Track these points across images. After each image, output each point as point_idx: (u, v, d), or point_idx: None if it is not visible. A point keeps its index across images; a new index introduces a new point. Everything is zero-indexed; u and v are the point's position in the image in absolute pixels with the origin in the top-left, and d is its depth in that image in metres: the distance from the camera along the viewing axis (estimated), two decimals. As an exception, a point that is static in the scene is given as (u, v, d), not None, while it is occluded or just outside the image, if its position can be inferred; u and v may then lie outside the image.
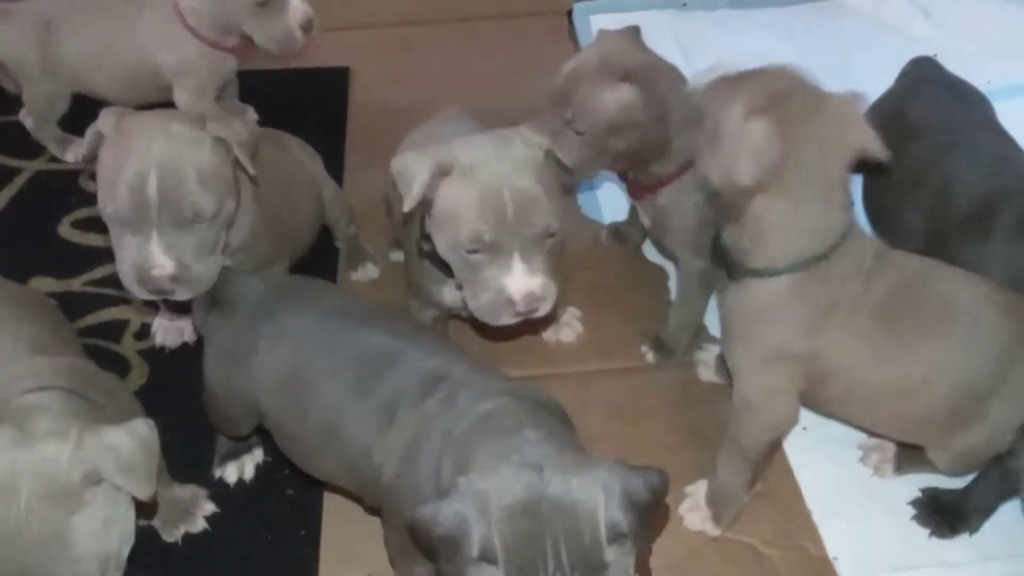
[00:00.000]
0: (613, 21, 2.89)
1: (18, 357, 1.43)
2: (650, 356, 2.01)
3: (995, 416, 1.53)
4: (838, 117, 1.41)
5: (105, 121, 1.56)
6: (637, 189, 1.90)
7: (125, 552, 1.23)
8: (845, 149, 1.41)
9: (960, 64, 2.59)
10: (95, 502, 1.18)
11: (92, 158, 1.60)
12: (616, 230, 2.28)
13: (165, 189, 1.51)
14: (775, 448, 1.74)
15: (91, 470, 1.17)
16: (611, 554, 1.09)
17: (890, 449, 1.78)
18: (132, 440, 1.21)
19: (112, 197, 1.53)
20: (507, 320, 1.55)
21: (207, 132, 1.56)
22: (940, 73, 2.01)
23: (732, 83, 1.43)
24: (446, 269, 1.62)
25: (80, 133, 1.76)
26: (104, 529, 1.18)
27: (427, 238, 1.61)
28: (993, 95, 2.06)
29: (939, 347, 1.50)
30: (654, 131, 1.74)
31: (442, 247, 1.56)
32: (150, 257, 1.54)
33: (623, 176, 1.92)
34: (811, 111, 1.39)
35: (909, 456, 1.74)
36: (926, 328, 1.50)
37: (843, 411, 1.66)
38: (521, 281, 1.50)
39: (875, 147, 1.42)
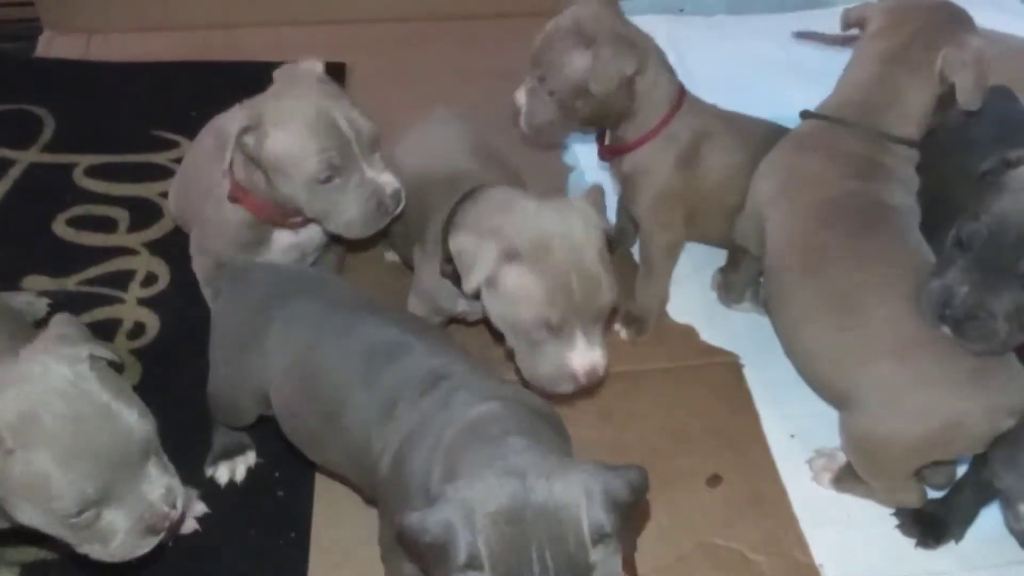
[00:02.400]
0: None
1: None
2: (623, 333, 2.05)
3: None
4: None
5: (239, 117, 1.59)
6: (606, 151, 1.99)
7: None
8: None
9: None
10: (95, 377, 1.28)
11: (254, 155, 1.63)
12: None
13: (352, 123, 1.62)
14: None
15: (73, 354, 1.28)
16: (597, 555, 1.10)
17: (838, 460, 1.79)
18: (59, 324, 1.36)
19: (316, 159, 1.59)
20: (566, 390, 1.58)
21: (321, 71, 1.67)
22: (1011, 97, 2.03)
23: None
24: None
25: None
26: (130, 400, 1.30)
27: (449, 260, 1.63)
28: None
29: None
30: (616, 98, 1.82)
31: (497, 317, 1.59)
32: (373, 181, 1.65)
33: (599, 139, 2.01)
34: None
35: (851, 472, 1.74)
36: None
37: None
38: (585, 357, 1.54)
39: None
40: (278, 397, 1.54)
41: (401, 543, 1.16)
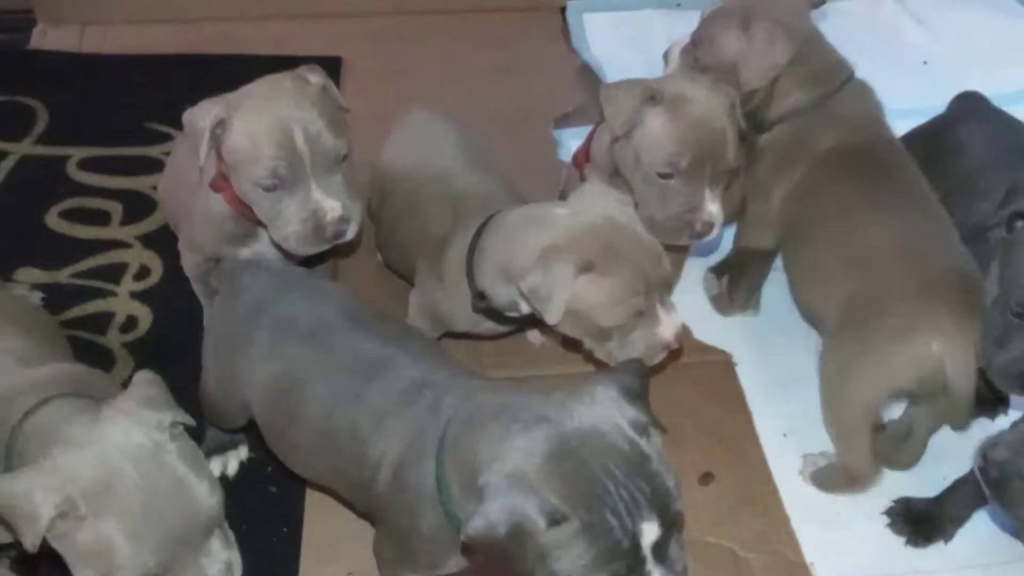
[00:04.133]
0: (607, 19, 2.93)
1: (7, 372, 1.43)
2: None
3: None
4: None
5: (213, 110, 1.57)
6: None
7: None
8: None
9: (951, 72, 2.64)
10: (174, 449, 1.27)
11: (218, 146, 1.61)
12: None
13: (311, 139, 1.55)
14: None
15: (156, 420, 1.26)
16: (647, 446, 1.14)
17: (821, 461, 1.82)
18: (143, 384, 1.33)
19: (263, 165, 1.55)
20: (661, 359, 1.63)
21: (314, 83, 1.62)
22: (987, 104, 2.06)
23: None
24: (499, 317, 1.70)
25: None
26: (202, 472, 1.28)
27: (482, 297, 1.65)
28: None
29: None
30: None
31: (574, 328, 1.60)
32: (317, 203, 1.58)
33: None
34: None
35: (829, 469, 1.81)
36: None
37: None
38: (669, 325, 1.60)
39: None
40: (261, 411, 1.53)
41: (480, 551, 1.14)
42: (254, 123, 1.55)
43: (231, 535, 1.35)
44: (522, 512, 1.08)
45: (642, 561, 1.11)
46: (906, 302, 1.61)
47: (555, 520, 1.08)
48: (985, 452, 1.38)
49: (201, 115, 1.57)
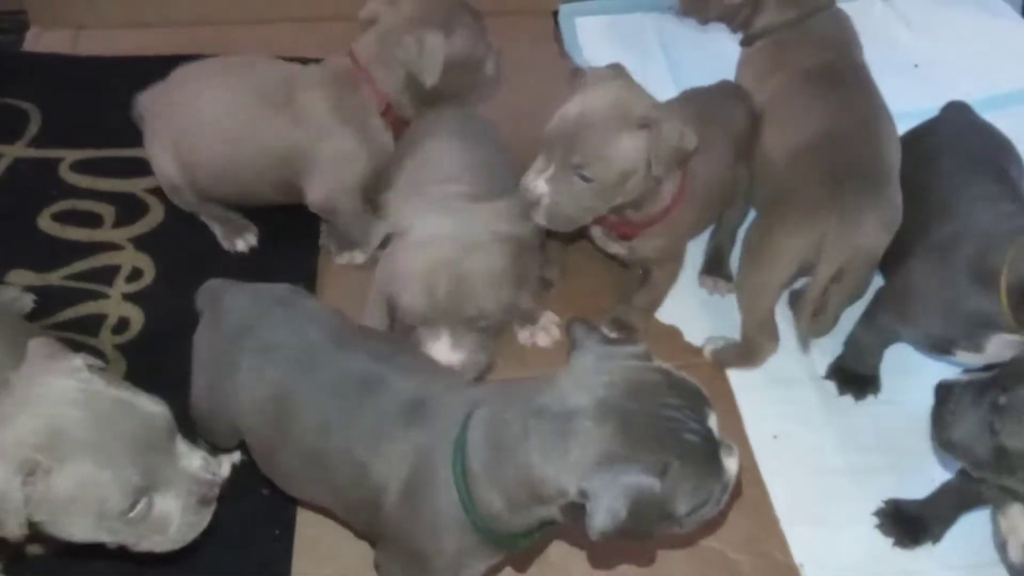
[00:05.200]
0: (599, 23, 2.93)
1: None
2: (613, 336, 2.04)
3: None
4: None
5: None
6: (629, 230, 1.92)
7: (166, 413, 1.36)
8: None
9: (942, 74, 2.65)
10: (100, 379, 1.30)
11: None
12: None
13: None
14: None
15: (69, 366, 1.30)
16: (662, 364, 1.26)
17: (722, 342, 2.03)
18: (40, 346, 1.35)
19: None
20: None
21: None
22: (970, 114, 2.09)
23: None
24: None
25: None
26: (137, 390, 1.33)
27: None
28: (974, 106, 2.11)
29: None
30: (652, 177, 1.74)
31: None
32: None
33: (604, 222, 1.93)
34: None
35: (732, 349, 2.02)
36: None
37: None
38: (441, 353, 1.64)
39: None
40: (251, 436, 1.53)
41: (615, 539, 1.16)
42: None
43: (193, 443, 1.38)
44: (635, 486, 1.13)
45: (718, 447, 1.22)
46: (817, 185, 1.84)
47: (663, 471, 1.14)
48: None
49: None
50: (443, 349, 1.63)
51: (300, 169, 2.06)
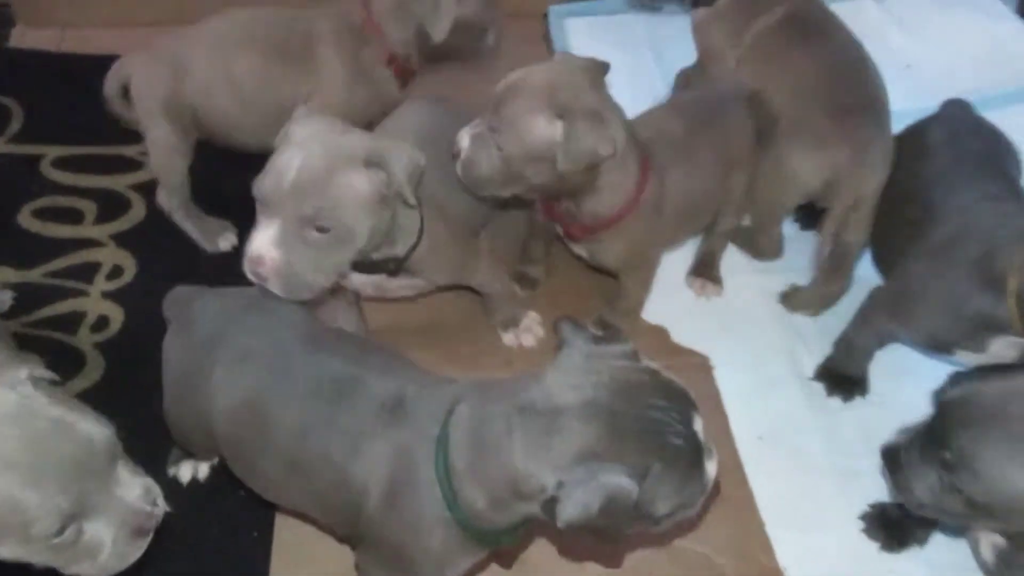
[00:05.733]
0: (589, 24, 2.92)
1: None
2: (601, 335, 2.02)
3: None
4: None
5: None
6: (577, 232, 1.88)
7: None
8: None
9: (934, 75, 2.64)
10: (42, 395, 1.24)
11: None
12: None
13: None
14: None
15: (11, 379, 1.23)
16: (649, 363, 1.25)
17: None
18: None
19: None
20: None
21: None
22: (969, 112, 2.08)
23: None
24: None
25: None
26: (82, 409, 1.26)
27: None
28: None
29: None
30: (578, 176, 1.69)
31: None
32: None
33: (546, 210, 1.92)
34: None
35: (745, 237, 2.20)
36: None
37: None
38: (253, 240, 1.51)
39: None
40: (226, 446, 1.50)
41: (582, 532, 1.16)
42: None
43: (139, 468, 1.31)
44: (612, 485, 1.13)
45: (701, 450, 1.20)
46: (825, 119, 1.96)
47: (642, 475, 1.14)
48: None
49: None
50: (263, 238, 1.48)
51: None
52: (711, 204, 2.04)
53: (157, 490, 1.31)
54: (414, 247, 1.70)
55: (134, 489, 1.27)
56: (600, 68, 1.75)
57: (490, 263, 1.95)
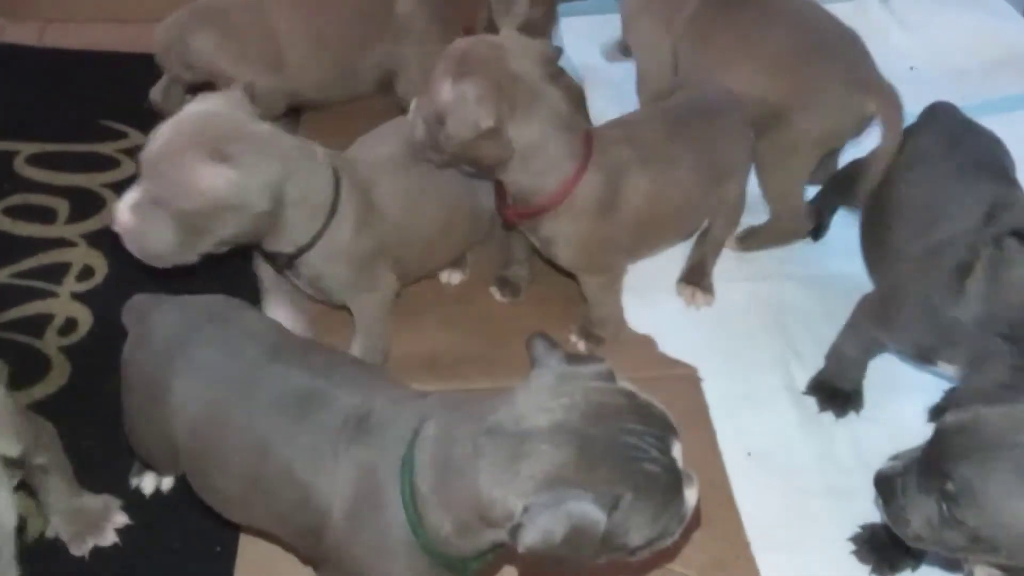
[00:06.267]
0: (583, 23, 2.88)
1: None
2: (581, 345, 1.99)
3: None
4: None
5: None
6: (512, 216, 1.83)
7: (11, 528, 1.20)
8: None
9: (938, 77, 2.59)
10: None
11: None
12: None
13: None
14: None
15: None
16: (625, 384, 1.17)
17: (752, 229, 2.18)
18: None
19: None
20: None
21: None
22: (957, 115, 2.02)
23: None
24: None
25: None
26: None
27: None
28: (969, 112, 2.03)
29: None
30: (480, 147, 1.64)
31: None
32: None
33: (498, 198, 1.85)
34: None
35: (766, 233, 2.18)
36: None
37: None
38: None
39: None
40: (186, 462, 1.44)
41: (544, 558, 1.10)
42: None
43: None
44: (578, 515, 1.07)
45: (679, 478, 1.15)
46: (807, 67, 1.99)
47: (613, 504, 1.08)
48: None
49: None
50: (126, 199, 1.56)
51: (398, 69, 2.33)
52: (690, 215, 1.98)
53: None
54: (308, 247, 1.67)
55: None
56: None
57: (380, 306, 1.85)
